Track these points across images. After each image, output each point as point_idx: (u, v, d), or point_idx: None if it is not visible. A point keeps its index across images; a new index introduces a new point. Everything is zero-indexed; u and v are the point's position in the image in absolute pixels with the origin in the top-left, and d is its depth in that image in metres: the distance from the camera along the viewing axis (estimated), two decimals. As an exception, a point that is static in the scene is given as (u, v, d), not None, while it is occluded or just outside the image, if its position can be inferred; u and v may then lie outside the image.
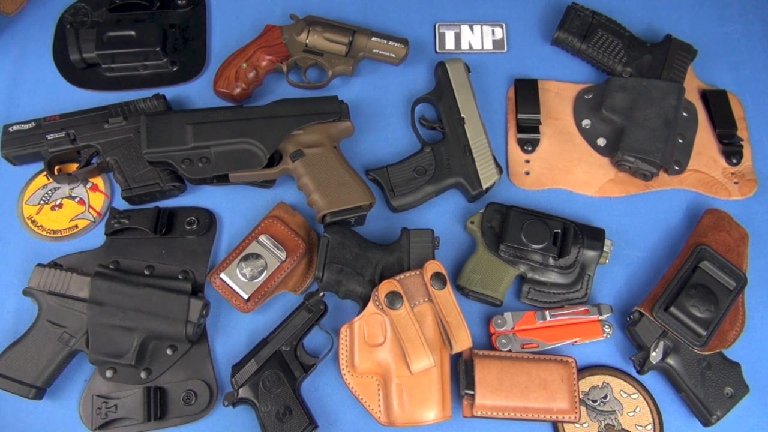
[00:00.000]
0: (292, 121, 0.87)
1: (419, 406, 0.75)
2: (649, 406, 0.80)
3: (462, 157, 0.88)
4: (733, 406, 0.79)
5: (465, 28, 1.03)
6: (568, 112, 0.97)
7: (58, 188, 0.91)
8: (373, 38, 0.95)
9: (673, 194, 0.93)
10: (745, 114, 0.97)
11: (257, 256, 0.83)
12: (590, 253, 0.84)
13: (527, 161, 0.94)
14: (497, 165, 0.88)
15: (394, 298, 0.76)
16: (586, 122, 0.96)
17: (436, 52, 1.01)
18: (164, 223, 0.86)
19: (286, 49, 0.95)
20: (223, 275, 0.82)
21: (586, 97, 0.97)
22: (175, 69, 0.98)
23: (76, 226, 0.89)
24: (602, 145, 0.94)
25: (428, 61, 1.00)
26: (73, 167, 0.90)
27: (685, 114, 0.94)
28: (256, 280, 0.82)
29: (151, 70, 0.97)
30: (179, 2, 1.02)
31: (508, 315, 0.83)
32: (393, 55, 0.96)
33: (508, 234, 0.82)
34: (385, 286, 0.77)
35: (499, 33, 1.03)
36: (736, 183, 0.93)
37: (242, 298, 0.82)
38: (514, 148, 0.95)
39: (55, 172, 0.90)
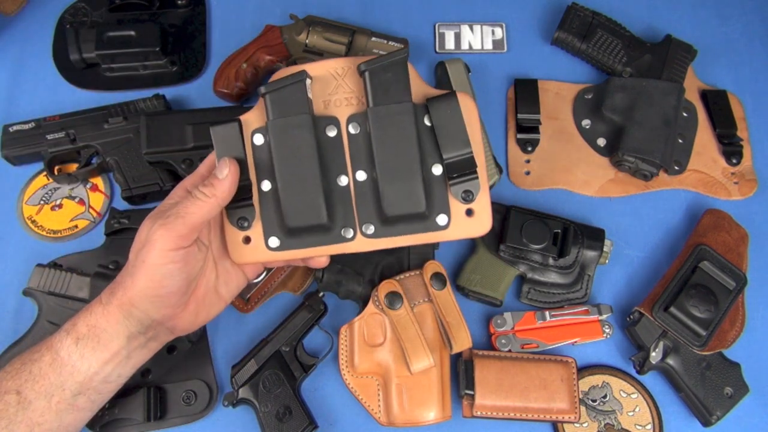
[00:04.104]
0: (292, 122, 0.87)
1: (419, 406, 0.75)
2: (648, 406, 0.80)
3: (462, 157, 0.88)
4: (733, 406, 0.79)
5: (465, 28, 1.03)
6: (568, 112, 0.97)
7: (58, 188, 0.91)
8: (373, 38, 0.95)
9: (673, 194, 0.93)
10: (745, 114, 0.97)
11: (257, 256, 0.83)
12: (590, 253, 0.84)
13: (527, 161, 0.94)
14: (497, 165, 0.88)
15: (393, 299, 0.76)
16: (586, 122, 0.96)
17: (436, 52, 1.01)
18: (164, 223, 0.86)
19: (286, 49, 0.95)
20: (223, 275, 0.82)
21: (586, 97, 0.97)
22: (175, 69, 0.98)
23: (76, 226, 0.89)
24: (602, 145, 0.94)
25: (428, 61, 1.00)
26: (73, 167, 0.90)
27: (685, 114, 0.94)
28: (256, 280, 0.82)
29: (151, 70, 0.97)
30: (179, 2, 1.02)
31: (508, 315, 0.83)
32: (393, 55, 0.96)
33: (508, 234, 0.82)
34: (385, 287, 0.77)
35: (499, 33, 1.03)
36: (736, 183, 0.93)
37: (242, 298, 0.82)
38: (514, 148, 0.95)
39: (55, 172, 0.90)
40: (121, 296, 0.61)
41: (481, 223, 0.65)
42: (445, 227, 0.65)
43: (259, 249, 0.65)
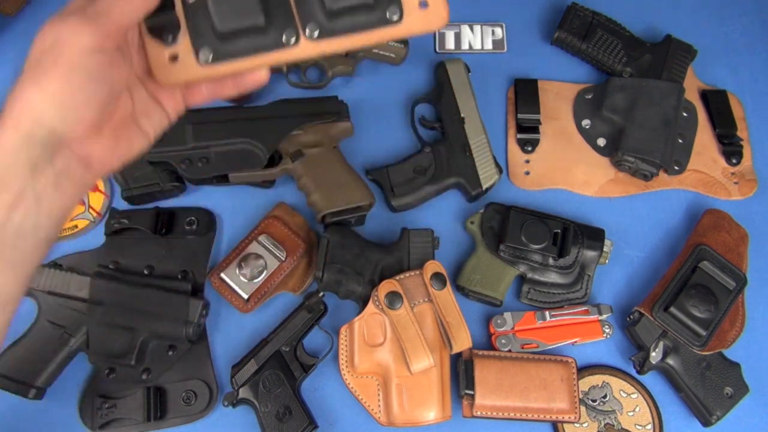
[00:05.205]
0: (292, 122, 0.87)
1: (419, 406, 0.75)
2: (648, 406, 0.80)
3: (462, 157, 0.88)
4: (732, 406, 0.79)
5: (465, 28, 1.03)
6: (568, 112, 0.97)
7: (58, 188, 0.91)
8: (373, 38, 0.95)
9: (673, 194, 0.93)
10: (745, 114, 0.97)
11: (257, 256, 0.83)
12: (590, 253, 0.84)
13: (527, 161, 0.94)
14: (497, 165, 0.89)
15: (393, 298, 0.76)
16: (586, 122, 0.96)
17: (436, 52, 1.01)
18: (164, 223, 0.86)
19: (286, 49, 0.94)
20: (222, 275, 0.82)
21: (586, 97, 0.97)
22: (175, 69, 0.97)
23: (76, 226, 0.89)
24: (602, 145, 0.94)
25: (428, 61, 1.00)
26: (73, 167, 0.90)
27: (685, 114, 0.94)
28: (255, 280, 0.82)
29: (151, 70, 0.97)
30: (179, 2, 1.01)
31: (508, 315, 0.83)
32: (393, 55, 0.96)
33: (508, 234, 0.82)
34: (385, 287, 0.77)
35: (499, 33, 1.03)
36: (736, 183, 0.93)
37: (242, 298, 0.82)
38: (514, 148, 0.95)
39: (55, 172, 0.90)
40: (18, 111, 0.48)
41: (438, 14, 0.59)
42: (398, 22, 0.59)
43: (189, 65, 0.57)
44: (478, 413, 0.76)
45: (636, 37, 0.98)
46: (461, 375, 0.77)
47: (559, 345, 0.82)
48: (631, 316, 0.82)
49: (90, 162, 0.52)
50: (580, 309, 0.83)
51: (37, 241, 0.50)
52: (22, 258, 0.50)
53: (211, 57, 0.57)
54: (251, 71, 0.58)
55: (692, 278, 0.80)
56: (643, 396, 0.81)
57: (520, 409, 0.77)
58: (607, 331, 0.82)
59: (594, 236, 0.85)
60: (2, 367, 0.76)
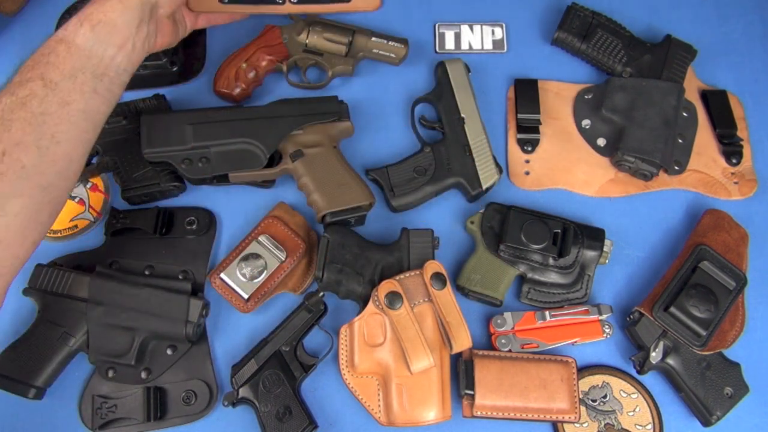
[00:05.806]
0: (291, 121, 0.87)
1: (419, 406, 0.75)
2: (648, 406, 0.80)
3: (462, 157, 0.88)
4: (733, 406, 0.79)
5: (465, 28, 1.03)
6: (568, 112, 0.97)
7: (58, 188, 0.91)
8: (373, 38, 0.95)
9: (673, 194, 0.93)
10: (745, 114, 0.97)
11: (257, 256, 0.83)
12: (590, 253, 0.84)
13: (527, 161, 0.94)
14: (497, 165, 0.89)
15: (393, 298, 0.76)
16: (586, 122, 0.96)
17: (436, 52, 1.01)
18: (164, 223, 0.86)
19: (285, 49, 0.95)
20: (223, 275, 0.82)
21: (586, 97, 0.97)
22: (174, 69, 0.97)
23: (76, 226, 0.89)
24: (602, 145, 0.94)
25: (428, 61, 1.00)
26: (73, 167, 0.90)
27: (685, 114, 0.94)
28: (256, 280, 0.82)
29: (150, 70, 0.97)
30: (179, 2, 1.01)
31: (508, 315, 0.83)
32: (393, 55, 0.96)
33: (507, 234, 0.82)
34: (385, 286, 0.77)
35: (499, 33, 1.03)
36: (736, 183, 0.93)
37: (242, 298, 0.82)
38: (514, 148, 0.95)
39: (55, 172, 0.90)
40: None
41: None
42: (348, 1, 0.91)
43: (212, 1, 0.86)
44: (478, 413, 0.76)
45: (636, 37, 0.98)
46: (461, 375, 0.77)
47: (559, 345, 0.82)
48: (631, 316, 0.82)
49: (159, 33, 0.77)
50: (580, 309, 0.83)
51: (122, 83, 0.72)
52: (113, 90, 0.70)
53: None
54: (244, 14, 0.92)
55: (692, 278, 0.80)
56: (643, 396, 0.81)
57: (520, 409, 0.77)
58: (607, 331, 0.82)
59: (594, 236, 0.85)
60: (2, 367, 0.76)
